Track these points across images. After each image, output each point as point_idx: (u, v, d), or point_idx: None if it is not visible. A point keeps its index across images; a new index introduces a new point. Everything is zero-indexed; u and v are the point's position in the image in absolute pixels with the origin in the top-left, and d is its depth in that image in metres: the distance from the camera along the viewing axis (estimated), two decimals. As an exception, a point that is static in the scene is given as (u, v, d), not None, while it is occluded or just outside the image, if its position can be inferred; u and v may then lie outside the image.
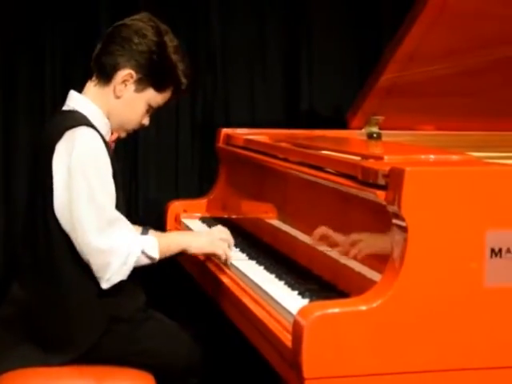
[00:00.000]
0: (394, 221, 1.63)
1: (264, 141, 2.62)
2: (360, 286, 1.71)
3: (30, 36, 3.24)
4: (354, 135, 2.87)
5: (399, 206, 1.59)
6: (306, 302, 1.77)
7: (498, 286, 1.62)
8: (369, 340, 1.56)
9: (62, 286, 2.05)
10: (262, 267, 2.14)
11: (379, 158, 1.80)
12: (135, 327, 2.11)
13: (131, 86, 2.13)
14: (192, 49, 3.40)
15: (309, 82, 3.51)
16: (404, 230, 1.60)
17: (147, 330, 2.13)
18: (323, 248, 2.03)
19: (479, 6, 2.41)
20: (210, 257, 2.30)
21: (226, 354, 2.87)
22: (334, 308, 1.55)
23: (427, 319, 1.59)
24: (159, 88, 2.17)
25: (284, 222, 2.34)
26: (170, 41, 2.17)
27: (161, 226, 2.79)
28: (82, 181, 1.98)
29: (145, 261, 2.05)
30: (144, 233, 2.36)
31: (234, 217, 2.78)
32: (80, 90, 2.18)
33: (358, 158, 1.90)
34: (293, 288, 1.89)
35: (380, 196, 1.66)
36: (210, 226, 2.72)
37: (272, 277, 2.04)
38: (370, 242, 1.78)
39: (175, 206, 2.95)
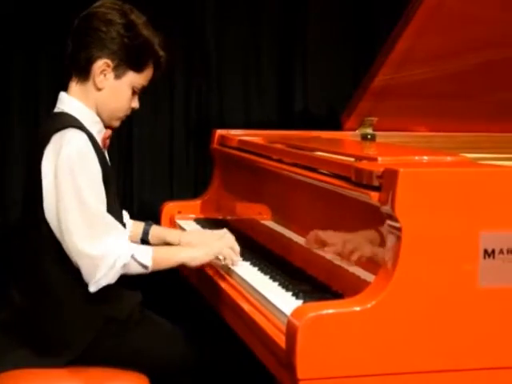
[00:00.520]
0: (388, 222, 1.63)
1: (258, 142, 2.62)
2: (354, 286, 1.72)
3: (25, 39, 3.25)
4: (348, 136, 2.88)
5: (393, 207, 1.59)
6: (299, 302, 1.77)
7: (492, 286, 1.63)
8: (363, 341, 1.56)
9: (55, 288, 2.04)
10: (256, 268, 2.14)
11: (373, 160, 1.81)
12: (130, 328, 2.11)
13: (110, 75, 2.11)
14: (186, 50, 3.41)
15: (303, 84, 3.51)
16: (398, 230, 1.60)
17: (142, 330, 2.13)
18: (317, 249, 2.03)
19: (471, 10, 2.42)
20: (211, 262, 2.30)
21: (220, 354, 2.87)
22: (327, 309, 1.56)
23: (421, 320, 1.60)
24: (138, 69, 2.13)
25: (278, 222, 2.34)
26: (138, 18, 2.13)
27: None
28: (68, 182, 1.96)
29: (136, 267, 2.02)
30: (146, 228, 2.35)
31: (228, 218, 2.78)
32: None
33: (351, 160, 1.90)
34: (287, 289, 1.90)
35: (374, 197, 1.66)
36: (204, 227, 2.72)
37: (266, 278, 2.04)
38: (364, 243, 1.79)
39: (170, 207, 2.95)
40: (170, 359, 2.15)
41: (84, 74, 2.11)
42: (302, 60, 3.51)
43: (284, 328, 1.62)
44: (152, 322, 2.18)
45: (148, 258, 2.03)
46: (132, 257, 2.00)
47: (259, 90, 3.50)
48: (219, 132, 2.98)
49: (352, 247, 1.84)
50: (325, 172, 1.97)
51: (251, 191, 2.61)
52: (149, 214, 3.00)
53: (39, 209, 2.01)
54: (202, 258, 2.14)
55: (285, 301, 1.80)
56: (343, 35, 3.53)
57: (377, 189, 1.66)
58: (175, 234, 2.37)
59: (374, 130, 2.88)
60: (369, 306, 1.57)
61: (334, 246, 1.94)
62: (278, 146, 2.44)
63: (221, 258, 2.17)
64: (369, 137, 2.86)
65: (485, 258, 1.62)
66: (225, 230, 2.28)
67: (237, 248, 2.18)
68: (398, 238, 1.60)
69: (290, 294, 1.86)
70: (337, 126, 2.94)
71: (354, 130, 2.90)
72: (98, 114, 2.14)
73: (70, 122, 2.05)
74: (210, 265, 2.28)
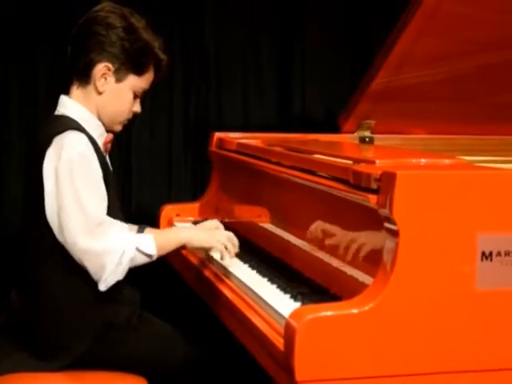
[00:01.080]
0: (386, 224, 1.64)
1: (257, 145, 2.63)
2: (352, 289, 1.72)
3: (23, 42, 3.25)
4: (347, 139, 2.89)
5: (391, 210, 1.60)
6: (298, 305, 1.78)
7: (489, 289, 1.63)
8: (361, 343, 1.57)
9: (55, 292, 2.04)
10: (254, 271, 2.15)
11: (371, 162, 1.81)
12: (128, 332, 2.10)
13: (111, 78, 2.11)
14: (185, 53, 3.42)
15: (301, 87, 3.52)
16: (395, 233, 1.60)
17: (141, 334, 2.13)
18: (315, 251, 2.03)
19: (469, 12, 2.43)
20: (209, 261, 2.30)
21: (219, 357, 2.87)
22: (325, 311, 1.56)
23: (418, 322, 1.60)
24: (139, 72, 2.13)
25: (276, 225, 2.35)
26: (138, 21, 2.13)
27: (154, 230, 2.79)
28: (68, 184, 1.97)
29: (142, 258, 2.03)
30: (140, 231, 2.36)
31: (226, 220, 2.78)
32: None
33: (349, 162, 1.91)
34: (285, 291, 1.90)
35: (372, 200, 1.67)
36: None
37: (264, 280, 2.04)
38: (362, 246, 1.79)
39: (168, 210, 2.95)
40: (168, 362, 2.15)
41: (85, 77, 2.11)
42: (301, 63, 3.52)
43: (282, 330, 1.62)
44: (150, 325, 2.18)
45: (152, 247, 2.03)
46: (137, 249, 2.01)
47: (258, 92, 3.50)
48: (217, 135, 2.98)
49: (350, 250, 1.85)
50: (323, 175, 1.97)
51: (249, 194, 2.62)
52: (147, 216, 3.01)
53: (40, 211, 2.01)
54: (204, 239, 2.15)
55: (283, 303, 1.81)
56: (341, 38, 3.54)
57: (375, 191, 1.67)
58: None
59: (372, 133, 2.89)
60: (367, 308, 1.57)
61: (332, 249, 1.94)
62: (277, 148, 2.45)
63: (219, 249, 2.15)
64: (367, 139, 2.87)
65: (482, 260, 1.62)
66: (216, 222, 2.30)
67: (235, 240, 2.19)
68: (396, 241, 1.60)
69: (289, 296, 1.86)
70: (335, 129, 2.94)
71: (352, 132, 2.91)
72: (100, 118, 2.14)
73: (71, 124, 2.05)
74: (207, 267, 2.29)
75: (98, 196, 2.02)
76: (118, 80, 2.12)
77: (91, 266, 1.98)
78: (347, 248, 1.86)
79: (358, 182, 1.74)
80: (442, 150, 2.62)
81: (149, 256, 2.04)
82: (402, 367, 1.60)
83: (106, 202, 2.05)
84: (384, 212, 1.63)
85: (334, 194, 1.88)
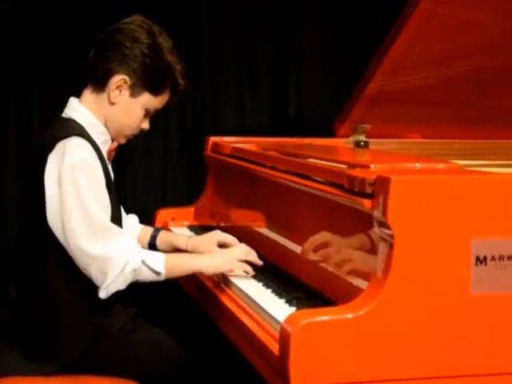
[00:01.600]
0: (380, 229, 1.64)
1: (252, 149, 2.63)
2: (347, 293, 1.72)
3: (21, 45, 3.26)
4: (342, 143, 2.89)
5: (385, 215, 1.60)
6: (293, 310, 1.78)
7: (484, 294, 1.63)
8: (355, 348, 1.57)
9: (51, 296, 2.04)
10: (249, 275, 2.14)
11: (365, 167, 1.81)
12: (122, 338, 2.10)
13: (126, 92, 2.10)
14: (181, 57, 3.41)
15: (296, 91, 3.53)
16: (390, 238, 1.61)
17: (134, 340, 2.12)
18: (310, 256, 2.03)
19: (464, 16, 2.43)
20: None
21: (213, 361, 2.87)
22: (320, 316, 1.56)
23: (413, 327, 1.60)
24: (155, 92, 2.13)
25: (272, 229, 2.35)
26: (165, 41, 2.13)
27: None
28: (71, 190, 1.96)
29: (148, 274, 2.00)
30: (155, 233, 2.34)
31: (222, 225, 2.78)
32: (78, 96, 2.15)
33: (344, 167, 1.91)
34: (280, 296, 1.90)
35: (366, 204, 1.67)
36: (197, 234, 2.72)
37: (259, 285, 2.04)
38: (357, 250, 1.79)
39: (163, 214, 2.95)
40: (163, 366, 2.14)
41: (100, 85, 2.10)
42: (296, 67, 3.52)
43: (277, 335, 1.63)
44: (145, 330, 2.18)
45: (161, 265, 2.01)
46: (143, 262, 1.99)
47: (253, 97, 3.51)
48: (213, 139, 2.98)
49: (345, 254, 1.85)
50: (318, 179, 1.97)
51: (245, 198, 2.62)
52: (142, 220, 3.00)
53: (40, 215, 2.00)
54: (220, 265, 2.10)
55: (278, 308, 1.81)
56: (337, 42, 3.55)
57: (369, 196, 1.67)
58: (182, 239, 2.35)
59: (367, 137, 2.89)
60: (361, 313, 1.57)
61: (327, 253, 1.94)
62: (272, 153, 2.45)
63: (241, 269, 2.11)
64: (362, 144, 2.87)
65: (477, 264, 1.62)
66: (232, 238, 2.26)
67: (253, 253, 2.16)
68: (391, 246, 1.60)
69: (284, 301, 1.86)
70: (330, 133, 2.94)
71: (347, 137, 2.91)
72: (106, 128, 2.14)
73: (75, 129, 2.04)
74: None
75: (101, 202, 2.01)
76: (132, 95, 2.11)
77: (93, 272, 1.97)
78: (342, 252, 1.86)
79: (353, 187, 1.74)
80: (437, 154, 2.62)
81: (156, 273, 2.01)
82: (397, 372, 1.60)
83: (110, 210, 2.04)
84: (378, 216, 1.63)
85: (329, 198, 1.88)
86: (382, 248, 1.63)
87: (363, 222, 1.71)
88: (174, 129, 3.46)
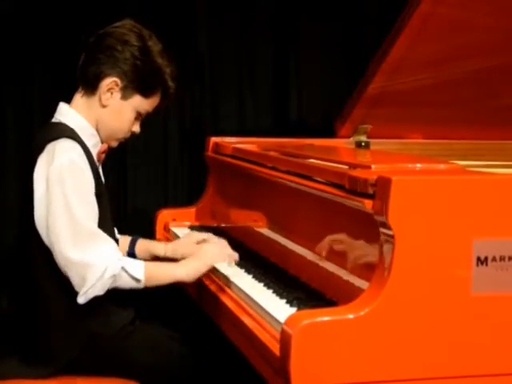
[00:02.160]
0: (381, 229, 1.64)
1: (252, 149, 2.63)
2: (348, 294, 1.72)
3: (20, 47, 3.26)
4: (343, 144, 2.89)
5: (386, 215, 1.60)
6: (293, 310, 1.78)
7: (485, 294, 1.63)
8: (356, 348, 1.57)
9: (43, 299, 2.04)
10: (250, 276, 2.14)
11: (366, 167, 1.81)
12: (120, 341, 2.09)
13: (117, 94, 2.11)
14: (180, 57, 3.41)
15: (297, 91, 3.53)
16: (391, 238, 1.61)
17: (133, 343, 2.10)
18: (311, 256, 2.03)
19: (464, 17, 2.43)
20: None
21: (214, 362, 2.87)
22: (321, 316, 1.56)
23: (414, 327, 1.60)
24: (146, 94, 2.14)
25: (273, 230, 2.35)
26: (154, 45, 2.14)
27: (150, 235, 2.79)
28: (58, 193, 1.96)
29: (127, 281, 1.99)
30: (133, 242, 2.35)
31: (222, 225, 2.79)
32: (69, 101, 2.16)
33: (345, 167, 1.91)
34: (281, 297, 1.90)
35: (367, 205, 1.67)
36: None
37: (260, 285, 2.04)
38: (358, 251, 1.79)
39: (164, 215, 2.95)
40: (163, 369, 2.12)
41: (92, 88, 2.12)
42: (296, 67, 3.52)
43: (278, 335, 1.63)
44: (143, 334, 2.15)
45: (140, 272, 2.00)
46: (123, 269, 1.98)
47: (253, 97, 3.51)
48: (214, 139, 2.98)
49: (346, 255, 1.85)
50: (319, 180, 1.97)
51: (246, 199, 2.62)
52: (143, 221, 3.02)
53: (31, 218, 2.00)
54: (199, 267, 2.10)
55: (279, 308, 1.81)
56: (337, 42, 3.55)
57: (370, 196, 1.67)
58: (160, 246, 2.35)
59: (368, 138, 2.89)
60: (362, 313, 1.57)
61: (328, 254, 1.94)
62: (273, 153, 2.45)
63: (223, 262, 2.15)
64: (363, 144, 2.87)
65: (478, 265, 1.62)
66: (209, 234, 2.28)
67: (229, 251, 2.17)
68: (392, 246, 1.60)
69: (285, 301, 1.86)
70: (331, 134, 2.94)
71: (348, 137, 2.91)
72: (97, 131, 2.14)
73: (65, 132, 2.05)
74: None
75: (88, 205, 2.01)
76: (124, 97, 2.12)
77: (73, 276, 1.96)
78: (343, 253, 1.86)
79: (354, 187, 1.74)
80: (439, 154, 2.62)
81: (136, 280, 2.00)
82: (398, 372, 1.60)
83: (97, 213, 2.03)
84: (380, 217, 1.63)
85: (330, 198, 1.88)
86: (383, 248, 1.63)
87: (364, 223, 1.71)
88: (174, 129, 3.46)
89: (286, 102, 3.53)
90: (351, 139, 2.90)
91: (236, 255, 2.17)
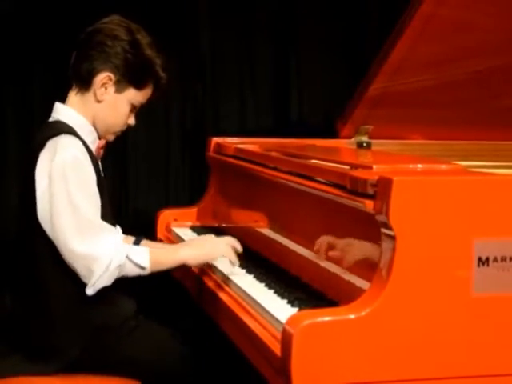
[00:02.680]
0: (383, 230, 1.64)
1: (254, 150, 2.63)
2: (349, 294, 1.72)
3: (19, 48, 3.26)
4: (344, 144, 2.89)
5: (387, 216, 1.60)
6: (295, 310, 1.78)
7: (486, 294, 1.64)
8: (357, 348, 1.57)
9: (47, 295, 2.05)
10: (251, 276, 2.15)
11: (367, 168, 1.82)
12: (123, 336, 2.11)
13: (111, 89, 2.14)
14: (182, 58, 3.42)
15: (299, 92, 3.53)
16: (392, 239, 1.61)
17: (136, 338, 2.12)
18: (313, 257, 2.04)
19: (466, 18, 2.43)
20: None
21: (215, 361, 2.87)
22: (322, 316, 1.56)
23: (415, 328, 1.60)
24: (139, 86, 2.17)
25: (274, 230, 2.35)
26: (143, 38, 2.17)
27: (151, 235, 2.80)
28: (61, 187, 1.98)
29: (133, 269, 2.03)
30: (136, 243, 2.36)
31: (224, 225, 2.79)
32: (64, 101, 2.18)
33: (346, 168, 1.91)
34: (282, 297, 1.90)
35: (368, 205, 1.67)
36: (200, 234, 2.72)
37: (262, 285, 2.04)
38: (359, 251, 1.79)
39: (165, 215, 2.95)
40: (164, 366, 2.14)
41: (85, 85, 2.14)
42: (298, 68, 3.52)
43: (279, 335, 1.63)
44: (146, 329, 2.18)
45: (145, 259, 2.03)
46: (127, 257, 2.01)
47: (255, 97, 3.51)
48: (215, 140, 2.98)
49: (347, 255, 1.85)
50: (320, 180, 1.97)
51: (247, 199, 2.62)
52: (145, 221, 3.01)
53: (33, 214, 2.02)
54: (204, 253, 2.15)
55: (280, 308, 1.81)
56: (338, 42, 3.55)
57: (371, 197, 1.67)
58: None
59: (369, 138, 2.89)
60: (363, 313, 1.57)
61: (329, 254, 1.94)
62: (274, 154, 2.45)
63: (227, 257, 2.15)
64: (364, 145, 2.87)
65: (479, 265, 1.62)
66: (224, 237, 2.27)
67: (239, 246, 2.18)
68: (393, 246, 1.60)
69: (286, 301, 1.86)
70: (332, 134, 2.94)
71: (350, 137, 2.91)
72: (94, 126, 2.17)
73: (64, 128, 2.07)
74: (205, 272, 2.29)
75: (91, 199, 2.03)
76: (118, 91, 2.15)
77: (80, 269, 1.99)
78: (344, 253, 1.86)
79: (355, 188, 1.74)
80: (440, 155, 2.63)
81: (141, 268, 2.03)
82: (399, 372, 1.60)
83: (99, 206, 2.05)
84: (381, 217, 1.63)
85: (331, 199, 1.88)
86: (385, 249, 1.64)
87: (365, 223, 1.71)
88: (176, 129, 3.46)
89: (287, 102, 3.53)
90: (353, 140, 2.90)
91: (237, 263, 2.17)
